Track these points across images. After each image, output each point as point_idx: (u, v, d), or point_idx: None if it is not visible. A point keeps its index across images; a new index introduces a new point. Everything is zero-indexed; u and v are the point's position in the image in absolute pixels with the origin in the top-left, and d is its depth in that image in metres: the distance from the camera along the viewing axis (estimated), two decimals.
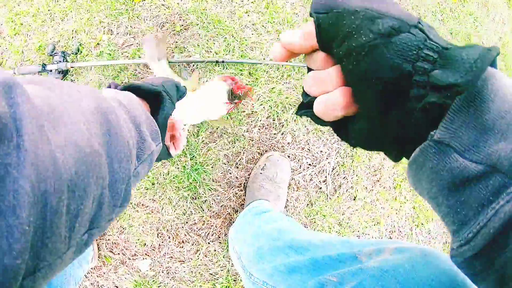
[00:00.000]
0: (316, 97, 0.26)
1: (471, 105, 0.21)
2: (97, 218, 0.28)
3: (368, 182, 0.97)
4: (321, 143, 0.94)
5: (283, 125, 0.91)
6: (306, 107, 0.28)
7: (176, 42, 0.93)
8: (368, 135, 0.26)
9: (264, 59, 0.91)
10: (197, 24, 0.93)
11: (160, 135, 0.43)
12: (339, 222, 0.95)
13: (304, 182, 0.93)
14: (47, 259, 0.22)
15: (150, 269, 0.90)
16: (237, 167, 0.90)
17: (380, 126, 0.24)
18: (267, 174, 0.87)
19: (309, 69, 0.28)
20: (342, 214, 0.95)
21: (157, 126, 0.42)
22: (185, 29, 0.93)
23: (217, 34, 0.92)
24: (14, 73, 0.96)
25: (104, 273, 0.91)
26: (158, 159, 0.51)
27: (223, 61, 0.87)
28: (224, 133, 0.89)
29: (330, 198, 0.94)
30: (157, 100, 0.46)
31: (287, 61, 0.30)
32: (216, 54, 0.91)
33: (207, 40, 0.92)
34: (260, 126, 0.90)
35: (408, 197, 1.01)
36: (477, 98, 0.21)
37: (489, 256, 0.21)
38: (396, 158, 0.26)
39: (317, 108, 0.26)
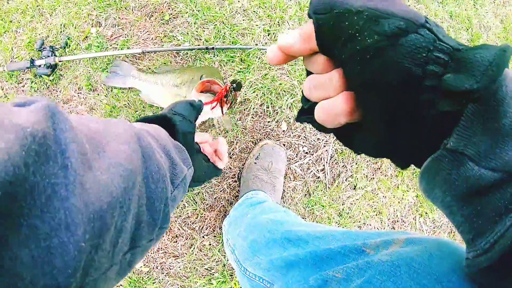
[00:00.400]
0: (316, 103, 0.25)
1: (486, 110, 0.20)
2: (137, 236, 0.29)
3: (368, 170, 0.94)
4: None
5: (277, 113, 0.88)
6: (307, 113, 0.27)
7: (165, 31, 0.90)
8: (373, 143, 0.24)
9: (256, 44, 0.88)
10: (186, 12, 0.90)
11: (189, 159, 0.44)
12: (339, 213, 0.91)
13: (301, 172, 0.89)
14: (93, 274, 0.22)
15: (144, 265, 0.87)
16: (231, 157, 0.87)
17: (386, 134, 0.23)
18: (262, 164, 0.83)
19: (309, 72, 0.26)
20: (342, 204, 0.91)
21: (185, 150, 0.43)
22: (174, 17, 0.91)
23: (207, 22, 0.89)
24: (4, 70, 0.94)
25: None
26: (208, 177, 0.54)
27: (213, 48, 0.84)
28: (216, 123, 0.87)
29: (329, 187, 0.90)
30: (169, 125, 0.47)
31: (284, 64, 0.28)
32: (206, 41, 0.88)
33: (197, 28, 0.89)
34: (253, 114, 0.87)
35: (410, 185, 0.97)
36: (492, 101, 0.20)
37: (505, 268, 0.20)
38: (404, 166, 0.25)
39: (318, 115, 0.24)
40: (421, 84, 0.20)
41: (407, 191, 0.97)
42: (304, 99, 0.27)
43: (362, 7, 0.21)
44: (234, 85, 0.69)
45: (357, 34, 0.21)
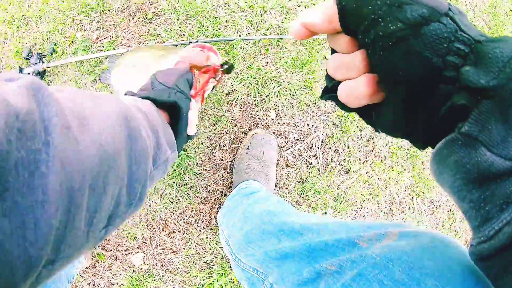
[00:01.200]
0: (340, 82, 0.25)
1: (502, 98, 0.20)
2: (114, 215, 0.30)
3: (361, 153, 0.93)
4: (307, 116, 0.90)
5: (265, 101, 0.88)
6: (331, 90, 0.27)
7: (149, 29, 0.91)
8: (393, 124, 0.25)
9: (239, 35, 0.88)
10: (169, 9, 0.91)
11: (175, 144, 0.45)
12: (335, 197, 0.91)
13: (293, 159, 0.89)
14: (66, 251, 0.23)
15: (144, 263, 0.87)
16: (221, 149, 0.87)
17: (405, 117, 0.24)
18: (253, 153, 0.83)
19: (333, 50, 0.27)
20: (337, 189, 0.91)
21: (173, 135, 0.44)
22: (156, 15, 0.92)
23: (190, 17, 0.90)
24: None
25: (99, 271, 0.89)
26: (182, 145, 0.54)
27: (196, 42, 0.84)
28: (205, 115, 0.87)
29: (322, 173, 0.90)
30: (173, 107, 0.47)
31: (306, 39, 0.28)
32: (190, 36, 0.89)
33: (180, 24, 0.90)
34: (241, 104, 0.87)
35: (405, 165, 0.97)
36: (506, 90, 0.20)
37: (509, 257, 0.20)
38: (422, 147, 0.26)
39: (341, 96, 0.25)
40: (441, 73, 0.21)
41: (402, 172, 0.97)
42: (328, 78, 0.27)
43: None
44: (226, 66, 0.63)
45: (380, 20, 0.21)
